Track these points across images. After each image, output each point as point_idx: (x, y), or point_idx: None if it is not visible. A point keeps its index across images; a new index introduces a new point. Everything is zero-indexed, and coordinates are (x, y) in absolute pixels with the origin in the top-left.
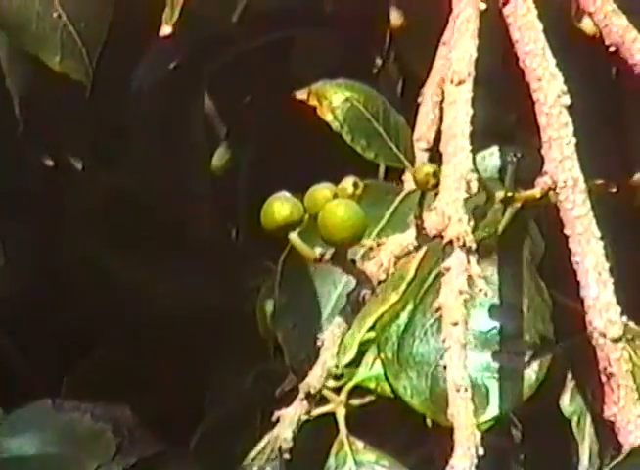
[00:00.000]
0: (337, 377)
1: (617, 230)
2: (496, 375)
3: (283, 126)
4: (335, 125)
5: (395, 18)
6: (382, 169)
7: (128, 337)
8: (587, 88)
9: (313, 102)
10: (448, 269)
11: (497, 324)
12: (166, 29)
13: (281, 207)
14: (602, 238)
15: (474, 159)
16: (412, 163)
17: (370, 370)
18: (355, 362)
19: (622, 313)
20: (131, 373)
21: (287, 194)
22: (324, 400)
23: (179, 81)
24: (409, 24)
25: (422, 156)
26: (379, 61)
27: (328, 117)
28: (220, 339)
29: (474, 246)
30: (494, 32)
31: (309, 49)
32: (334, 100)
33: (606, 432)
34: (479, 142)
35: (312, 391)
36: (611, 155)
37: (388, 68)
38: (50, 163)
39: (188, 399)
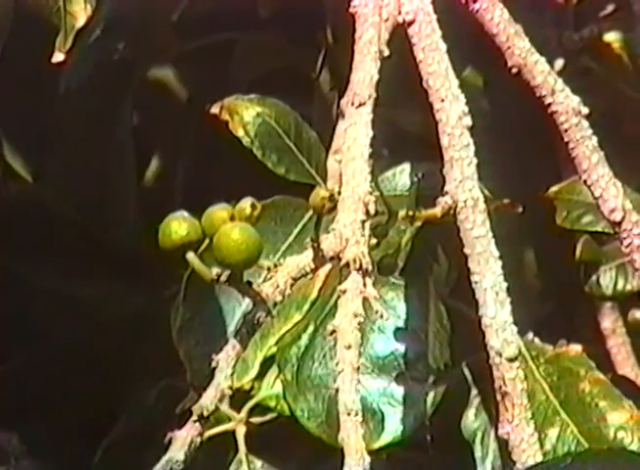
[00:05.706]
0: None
1: (540, 245)
2: (392, 401)
3: (220, 134)
4: (245, 141)
5: (331, 38)
6: None
7: (36, 351)
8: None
9: (225, 117)
10: (344, 292)
11: (395, 349)
12: (59, 56)
13: (178, 226)
14: (501, 257)
15: (374, 179)
16: (324, 179)
17: (271, 389)
18: (258, 379)
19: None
20: (28, 394)
21: (185, 214)
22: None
23: (108, 83)
24: (343, 34)
25: (338, 168)
26: (318, 65)
27: (239, 133)
28: (135, 353)
29: (370, 268)
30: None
31: (249, 52)
32: (245, 115)
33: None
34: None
35: (205, 413)
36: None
37: (326, 72)
38: None
39: (94, 416)
